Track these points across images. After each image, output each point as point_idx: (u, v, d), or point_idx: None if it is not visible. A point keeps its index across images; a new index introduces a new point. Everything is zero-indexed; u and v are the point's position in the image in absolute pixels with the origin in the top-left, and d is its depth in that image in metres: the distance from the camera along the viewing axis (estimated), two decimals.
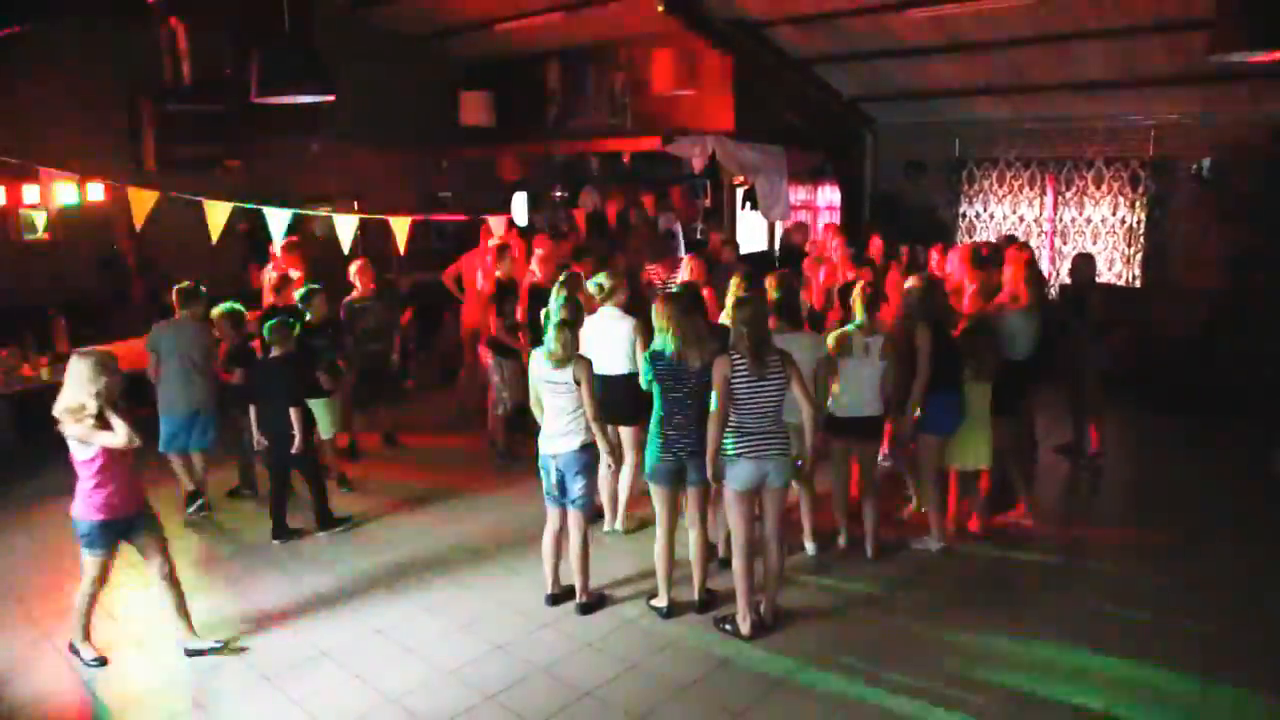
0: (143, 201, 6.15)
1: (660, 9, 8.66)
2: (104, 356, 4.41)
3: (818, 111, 11.00)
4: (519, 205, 11.25)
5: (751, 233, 12.43)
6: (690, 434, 4.85)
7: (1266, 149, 8.65)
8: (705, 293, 6.45)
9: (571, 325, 4.96)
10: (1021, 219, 10.52)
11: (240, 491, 6.96)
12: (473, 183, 11.93)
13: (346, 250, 7.16)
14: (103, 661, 4.67)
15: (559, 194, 12.40)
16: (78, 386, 4.28)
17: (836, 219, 11.69)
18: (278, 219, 6.83)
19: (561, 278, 6.67)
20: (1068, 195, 10.13)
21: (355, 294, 7.45)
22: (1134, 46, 8.13)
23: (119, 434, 4.28)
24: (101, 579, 4.63)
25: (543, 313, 5.92)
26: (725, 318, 5.71)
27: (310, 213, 7.83)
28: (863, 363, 5.52)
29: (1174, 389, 8.73)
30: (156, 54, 8.82)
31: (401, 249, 7.36)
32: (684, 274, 7.07)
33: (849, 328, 5.61)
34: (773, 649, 4.79)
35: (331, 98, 5.97)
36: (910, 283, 5.93)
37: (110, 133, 8.79)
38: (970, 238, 10.55)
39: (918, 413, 5.74)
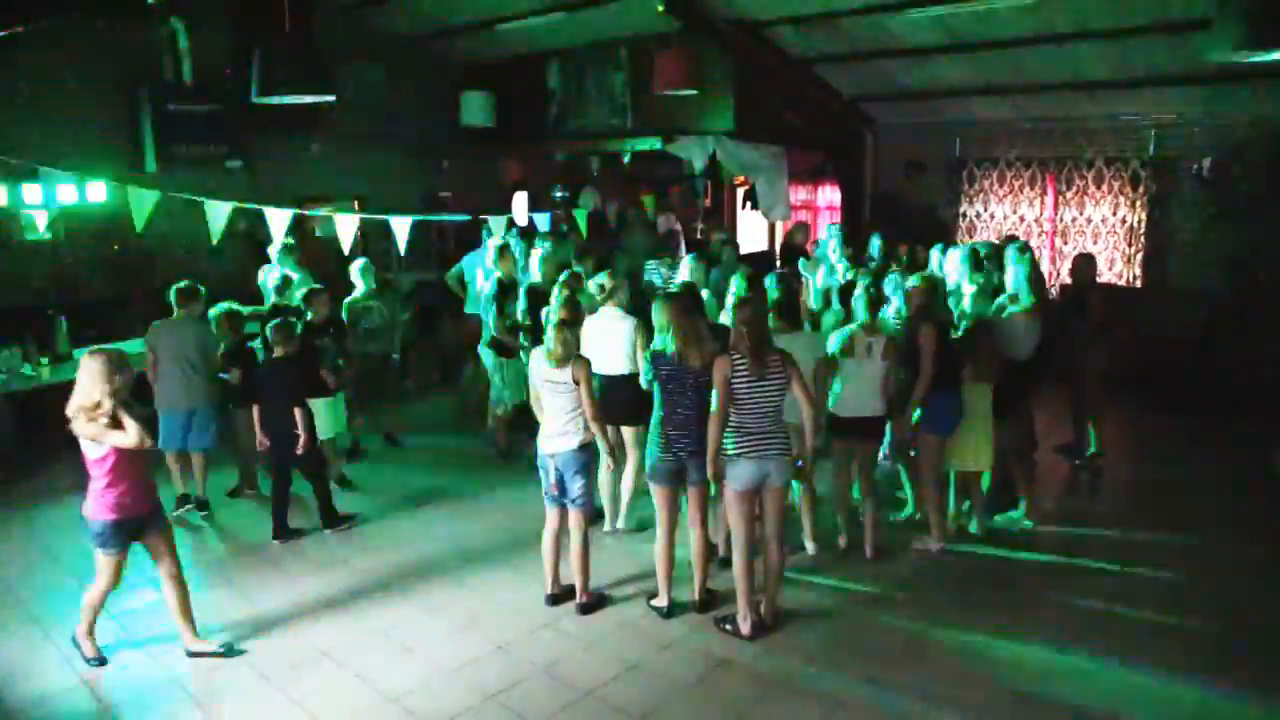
0: (143, 202, 6.15)
1: (661, 9, 8.67)
2: (115, 355, 4.41)
3: (818, 111, 11.00)
4: (519, 205, 11.24)
5: (752, 233, 12.45)
6: (690, 434, 4.85)
7: (1267, 149, 8.64)
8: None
9: (571, 325, 4.96)
10: (1022, 219, 10.52)
11: (240, 491, 6.97)
12: (473, 183, 11.93)
13: (347, 250, 7.16)
14: (100, 661, 4.68)
15: (559, 194, 12.39)
16: (91, 385, 4.28)
17: (837, 219, 11.70)
18: (278, 219, 6.82)
19: (562, 277, 6.69)
20: (1068, 195, 10.13)
21: (356, 294, 7.46)
22: (1135, 46, 8.13)
23: (130, 434, 4.28)
24: (115, 579, 4.62)
25: (544, 312, 5.93)
26: (725, 317, 5.72)
27: (310, 213, 7.84)
28: (864, 363, 5.52)
29: (1174, 389, 8.74)
30: (157, 54, 8.83)
31: (402, 249, 7.35)
32: (684, 274, 7.06)
33: (852, 328, 5.61)
34: (773, 649, 4.79)
35: (332, 98, 5.98)
36: (911, 283, 5.93)
37: (111, 133, 8.79)
38: (970, 238, 10.55)
39: (917, 414, 5.74)
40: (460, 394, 8.90)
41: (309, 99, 5.99)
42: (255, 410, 6.16)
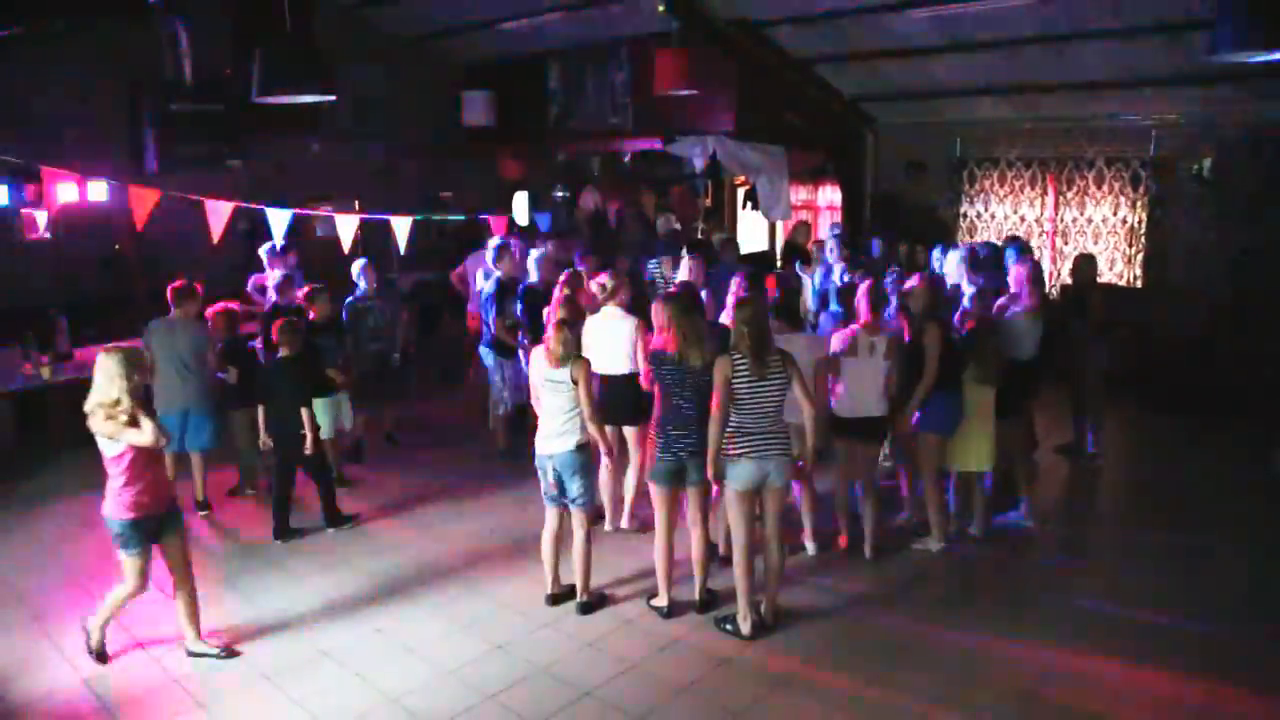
0: (144, 201, 6.16)
1: (661, 9, 8.67)
2: (131, 352, 4.41)
3: (818, 111, 11.00)
4: (520, 205, 11.25)
5: (752, 233, 12.45)
6: (691, 434, 4.85)
7: (1267, 149, 8.64)
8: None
9: (571, 324, 4.96)
10: (1023, 219, 10.51)
11: (241, 491, 6.98)
12: (473, 182, 11.94)
13: (347, 250, 7.17)
14: (101, 656, 4.68)
15: (560, 194, 12.40)
16: (108, 383, 4.28)
17: (837, 219, 11.70)
18: (278, 219, 6.83)
19: (563, 276, 6.69)
20: (1068, 195, 10.12)
21: (358, 293, 7.46)
22: (1135, 46, 8.13)
23: (146, 432, 4.28)
24: (140, 582, 4.59)
25: (545, 312, 5.93)
26: (725, 318, 5.72)
27: (311, 212, 7.84)
28: (867, 362, 5.51)
29: (1174, 389, 8.74)
30: (157, 53, 8.82)
31: (402, 248, 7.36)
32: (683, 274, 7.06)
33: (854, 327, 5.60)
34: (773, 649, 4.80)
35: (332, 97, 5.97)
36: (912, 283, 5.93)
37: (111, 132, 8.80)
38: (971, 238, 10.55)
39: (917, 415, 5.74)
40: (461, 394, 8.90)
41: (309, 99, 5.99)
42: (260, 410, 6.18)
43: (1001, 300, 6.44)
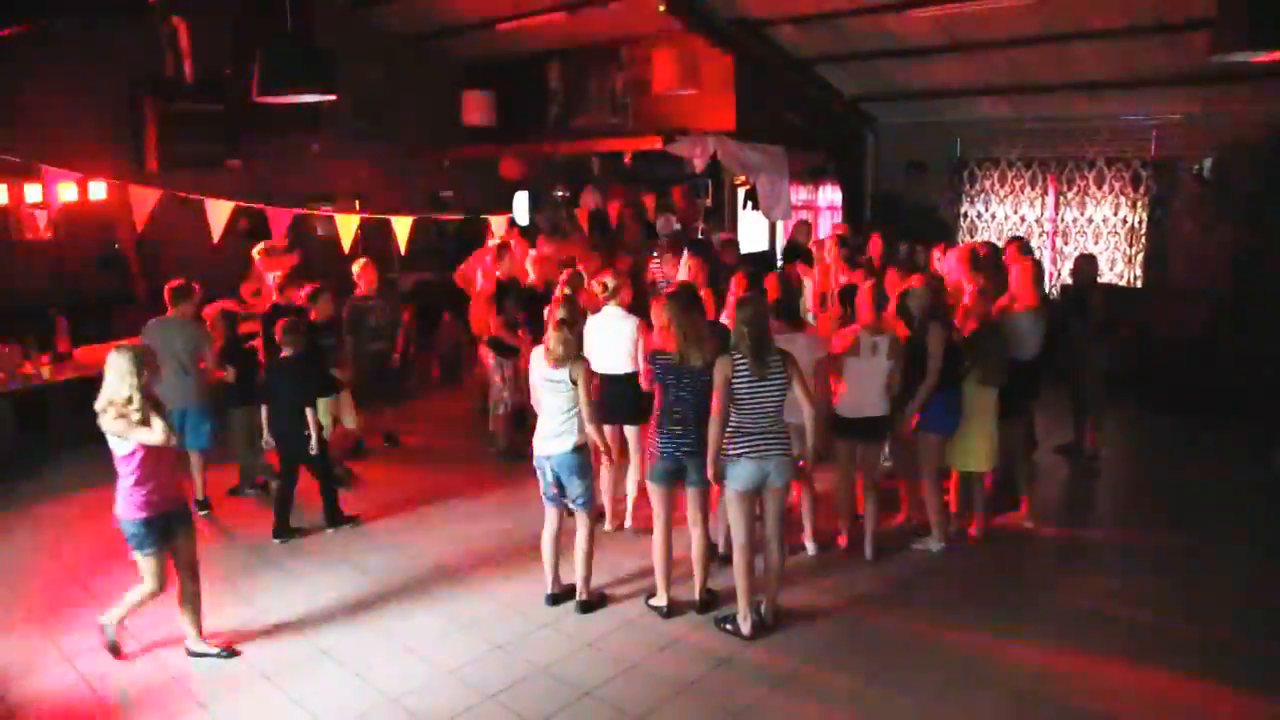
0: (144, 200, 6.16)
1: (661, 9, 8.66)
2: (142, 350, 4.40)
3: (819, 111, 11.00)
4: (520, 205, 11.26)
5: (753, 233, 12.44)
6: (691, 434, 4.85)
7: (1267, 149, 8.64)
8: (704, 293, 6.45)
9: (571, 325, 4.96)
10: (1023, 219, 10.52)
11: (241, 490, 6.98)
12: (474, 182, 11.94)
13: (347, 250, 7.17)
14: (115, 652, 4.69)
15: (560, 194, 12.40)
16: (119, 381, 4.27)
17: (838, 219, 11.69)
18: (278, 219, 6.84)
19: (564, 276, 6.70)
20: (1069, 195, 10.12)
21: (359, 293, 7.47)
22: (1135, 46, 8.13)
23: (156, 430, 4.28)
24: (160, 583, 4.59)
25: (547, 311, 5.92)
26: (725, 318, 5.72)
27: (311, 212, 7.85)
28: (869, 362, 5.51)
29: (1174, 389, 8.74)
30: (158, 53, 8.83)
31: (403, 248, 7.37)
32: (682, 273, 7.06)
33: (856, 327, 5.59)
34: (773, 649, 4.80)
35: (333, 97, 5.98)
36: (912, 283, 5.92)
37: (112, 131, 8.80)
38: (972, 238, 10.55)
39: (917, 416, 5.74)
40: (463, 391, 8.91)
41: (309, 98, 6.00)
42: (263, 410, 6.19)
43: (1002, 300, 6.43)
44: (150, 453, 4.37)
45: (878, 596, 5.37)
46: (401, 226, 7.22)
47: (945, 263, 7.63)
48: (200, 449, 6.53)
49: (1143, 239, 9.67)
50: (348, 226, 7.07)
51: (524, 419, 6.96)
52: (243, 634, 4.97)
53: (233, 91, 8.83)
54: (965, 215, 10.94)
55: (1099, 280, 7.93)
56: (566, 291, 6.09)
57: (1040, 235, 10.34)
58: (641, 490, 5.97)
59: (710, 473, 4.71)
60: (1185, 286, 9.28)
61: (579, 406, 4.89)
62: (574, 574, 5.21)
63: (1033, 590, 5.50)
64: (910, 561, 5.81)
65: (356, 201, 10.49)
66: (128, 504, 4.42)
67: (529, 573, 5.52)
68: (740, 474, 4.65)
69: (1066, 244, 10.21)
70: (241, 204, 6.69)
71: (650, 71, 9.66)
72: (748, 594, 4.83)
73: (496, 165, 12.17)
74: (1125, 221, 9.77)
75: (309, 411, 6.03)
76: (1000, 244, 8.11)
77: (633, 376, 5.72)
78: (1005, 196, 10.61)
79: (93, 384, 7.21)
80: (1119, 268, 9.87)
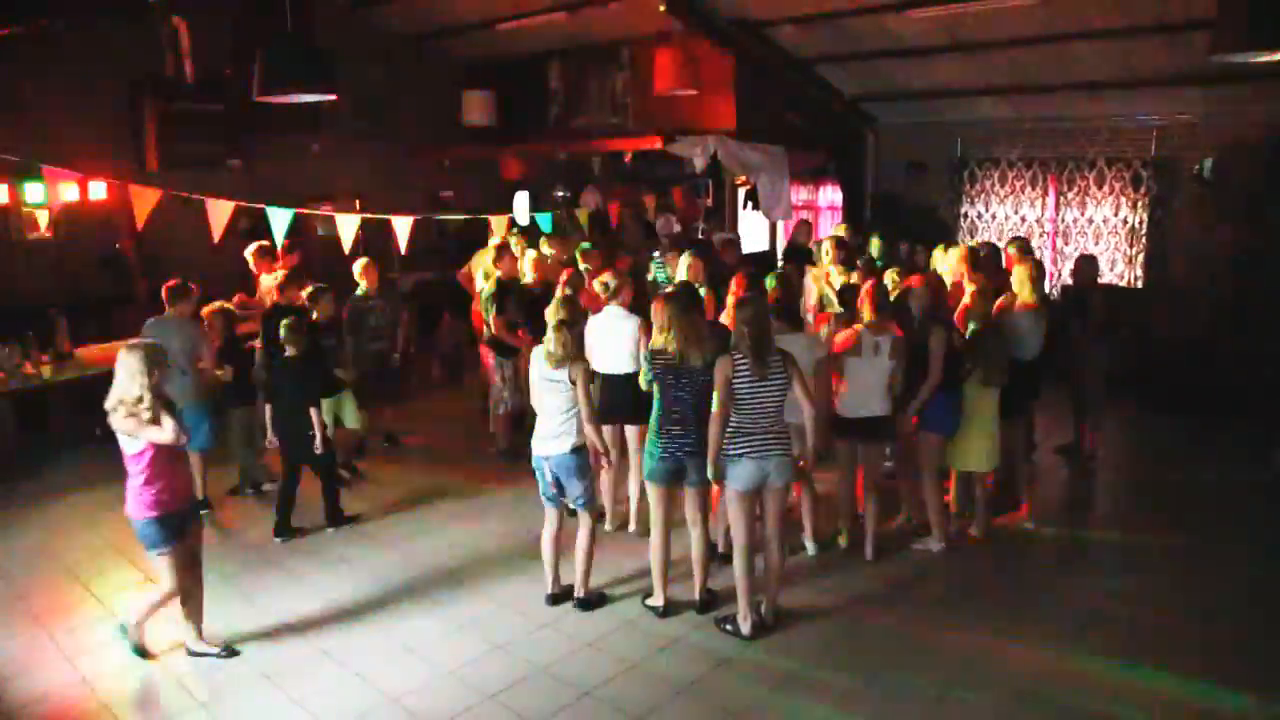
0: (144, 200, 6.16)
1: (662, 9, 8.66)
2: (153, 349, 4.38)
3: (819, 111, 11.00)
4: (521, 205, 11.25)
5: (753, 233, 12.43)
6: (690, 434, 4.85)
7: (1267, 149, 8.64)
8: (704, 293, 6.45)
9: (571, 325, 4.96)
10: (1023, 219, 10.51)
11: (241, 491, 6.98)
12: (473, 182, 11.94)
13: (348, 250, 7.17)
14: (144, 653, 4.70)
15: (561, 194, 12.40)
16: (130, 380, 4.26)
17: (838, 219, 11.68)
18: (279, 218, 6.83)
19: (564, 276, 6.69)
20: (1069, 195, 10.12)
21: (359, 293, 7.47)
22: (1135, 46, 8.13)
23: (167, 430, 4.28)
24: (179, 580, 4.59)
25: (548, 312, 5.91)
26: (726, 318, 5.71)
27: (312, 212, 7.84)
28: (871, 362, 5.50)
29: (1174, 389, 8.74)
30: (158, 53, 8.82)
31: (403, 248, 7.36)
32: (682, 273, 7.05)
33: (858, 327, 5.58)
34: (773, 649, 4.80)
35: (333, 97, 5.97)
36: (912, 282, 5.92)
37: (112, 131, 8.80)
38: (972, 238, 10.54)
39: (916, 417, 5.73)
40: (464, 392, 8.91)
41: (310, 98, 5.99)
42: (267, 410, 6.19)
43: (1001, 300, 6.43)
44: (160, 452, 4.36)
45: (878, 596, 5.37)
46: (402, 226, 7.20)
47: (945, 262, 7.62)
48: (200, 449, 6.52)
49: (1143, 239, 9.67)
50: (348, 226, 7.06)
51: (524, 419, 6.96)
52: (243, 634, 4.97)
53: (233, 91, 8.83)
54: (965, 215, 10.94)
55: (1099, 281, 7.93)
56: (567, 292, 6.09)
57: (1040, 235, 10.33)
58: (644, 491, 5.98)
59: (711, 473, 4.72)
60: (1186, 287, 9.28)
61: (578, 407, 4.89)
62: (574, 573, 5.21)
63: (1033, 590, 5.49)
64: (910, 561, 5.81)
65: (357, 201, 10.49)
66: (138, 503, 4.41)
67: (529, 573, 5.53)
68: (740, 474, 4.65)
69: (1067, 244, 10.20)
70: (242, 204, 6.68)
71: (650, 71, 9.65)
72: (748, 594, 4.83)
73: (496, 165, 12.18)
74: (1125, 222, 9.77)
75: (314, 411, 6.04)
76: (1001, 244, 8.12)
77: (633, 376, 5.71)
78: (1005, 197, 10.61)
79: (93, 384, 7.24)
80: (1119, 268, 9.87)
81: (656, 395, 4.94)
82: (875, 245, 8.50)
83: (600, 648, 4.83)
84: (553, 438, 4.96)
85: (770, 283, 5.93)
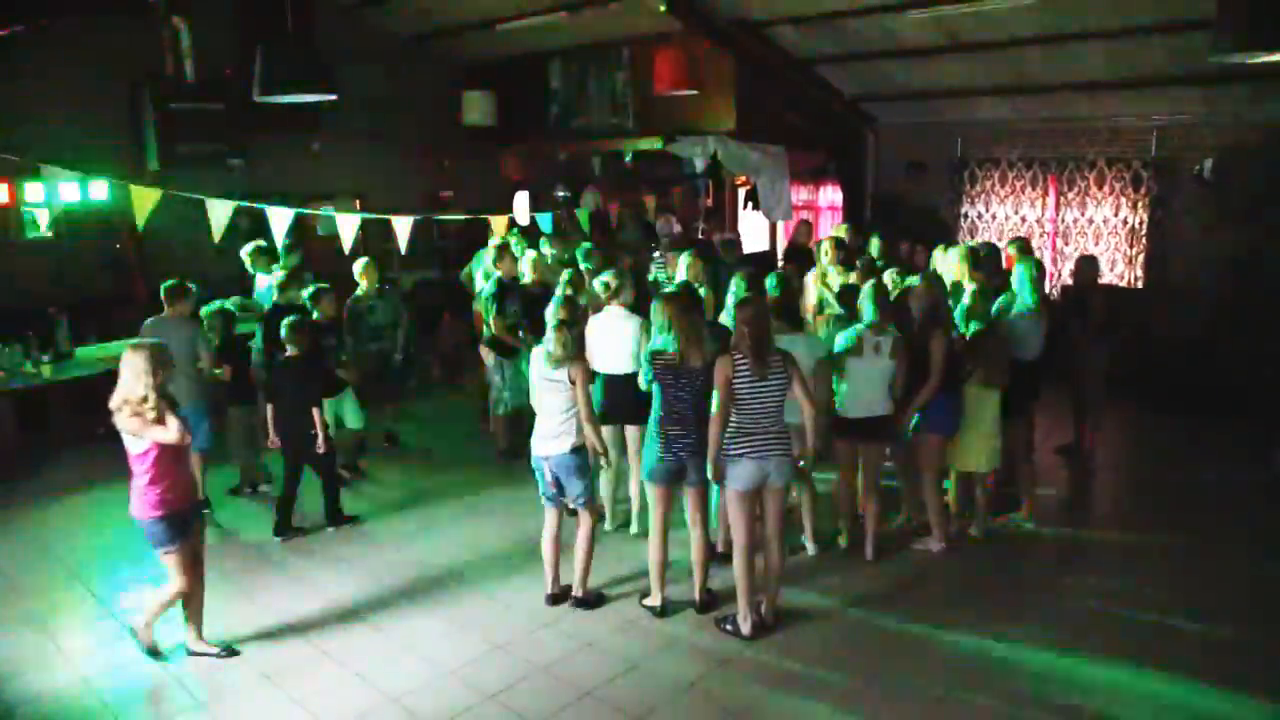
0: (145, 200, 6.16)
1: (662, 9, 8.67)
2: (158, 349, 4.39)
3: (819, 111, 11.00)
4: (521, 205, 11.25)
5: (753, 233, 12.44)
6: (690, 434, 4.85)
7: (1267, 150, 8.64)
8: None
9: (570, 325, 4.96)
10: (1024, 219, 10.51)
11: (241, 490, 6.99)
12: (474, 182, 11.94)
13: (348, 250, 7.17)
14: (156, 653, 4.71)
15: (561, 194, 12.41)
16: (135, 380, 4.27)
17: (838, 219, 11.69)
18: (279, 218, 6.83)
19: (565, 276, 6.69)
20: (1069, 196, 10.12)
21: (359, 293, 7.47)
22: (1135, 46, 8.13)
23: (171, 429, 4.28)
24: (188, 577, 4.60)
25: (549, 312, 5.92)
26: (725, 317, 5.71)
27: (312, 212, 7.84)
28: (872, 362, 5.49)
29: (1174, 389, 8.74)
30: (159, 53, 8.83)
31: (403, 248, 7.36)
32: (681, 273, 7.06)
33: (859, 327, 5.59)
34: (773, 649, 4.80)
35: (333, 97, 5.98)
36: (911, 282, 5.91)
37: (113, 131, 8.80)
38: (972, 238, 10.54)
39: (916, 415, 5.73)
40: (464, 394, 8.91)
41: (310, 98, 6.00)
42: (269, 409, 6.20)
43: (1001, 300, 6.43)
44: (165, 451, 4.37)
45: (878, 596, 5.36)
46: (402, 226, 7.20)
47: (945, 262, 7.62)
48: (199, 449, 6.52)
49: (1143, 240, 9.66)
50: (348, 226, 7.06)
51: (523, 419, 6.95)
52: (243, 633, 4.97)
53: (233, 91, 8.83)
54: (965, 215, 10.94)
55: (1099, 281, 7.93)
56: (568, 292, 6.09)
57: (1041, 236, 10.33)
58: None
59: (711, 473, 4.72)
60: (1185, 287, 9.28)
61: (577, 407, 4.89)
62: (573, 573, 5.21)
63: (1033, 590, 5.50)
64: (911, 562, 5.81)
65: (357, 201, 10.49)
66: (142, 503, 4.42)
67: (529, 573, 5.53)
68: (741, 474, 4.65)
69: (1067, 245, 10.20)
70: (242, 203, 6.68)
71: (650, 71, 9.66)
72: (748, 594, 4.83)
73: (496, 165, 12.18)
74: (1125, 222, 9.77)
75: (316, 411, 6.04)
76: (1001, 245, 8.12)
77: (635, 377, 5.71)
78: (1006, 197, 10.60)
79: (93, 384, 7.25)
80: (1119, 268, 9.86)
81: (656, 395, 4.93)
82: (875, 245, 8.50)
83: (600, 648, 4.83)
84: (552, 437, 4.96)
85: (770, 283, 5.93)
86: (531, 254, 7.66)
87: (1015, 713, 4.28)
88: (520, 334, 7.20)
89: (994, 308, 6.24)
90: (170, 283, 6.44)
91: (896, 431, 5.86)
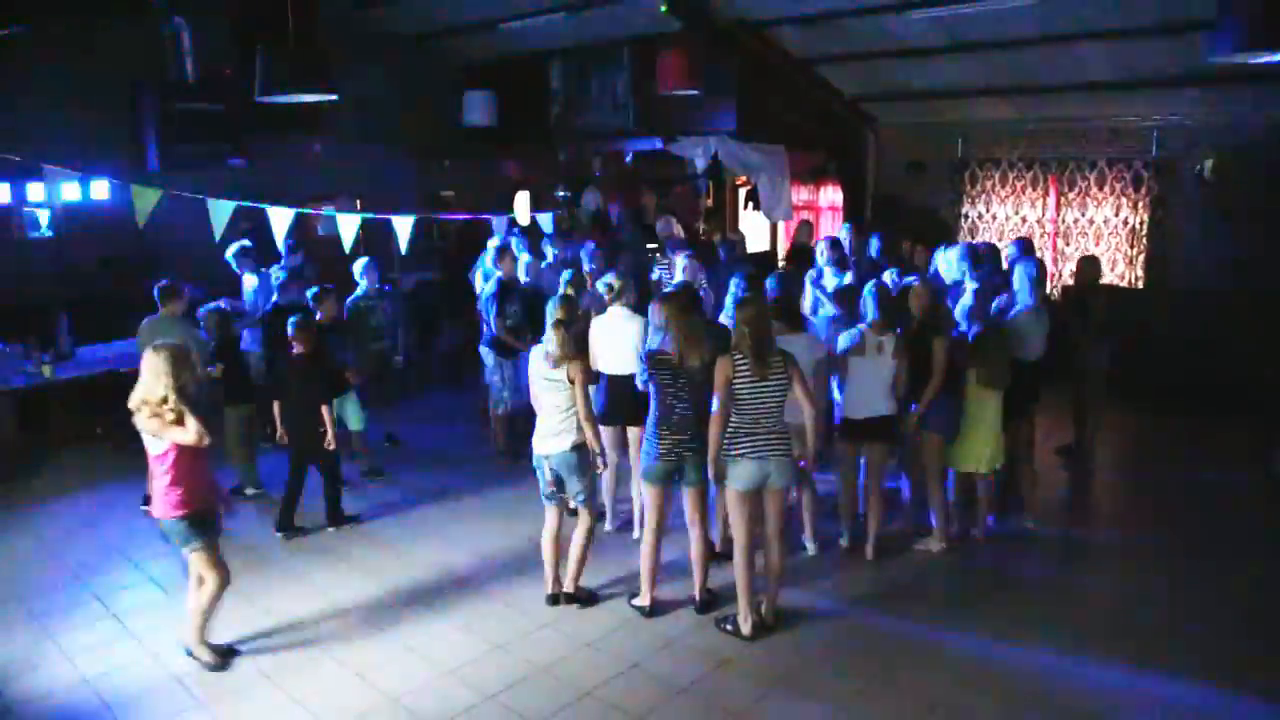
0: (145, 200, 6.17)
1: (662, 9, 8.67)
2: (178, 350, 4.38)
3: (819, 111, 10.99)
4: (521, 205, 11.25)
5: (754, 233, 12.43)
6: (690, 434, 4.85)
7: (1268, 150, 8.64)
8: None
9: (569, 324, 4.96)
10: (1024, 220, 10.50)
11: (240, 490, 6.98)
12: (474, 182, 11.94)
13: (348, 249, 7.18)
14: (222, 666, 4.63)
15: (561, 194, 12.41)
16: (155, 380, 4.27)
17: (839, 219, 11.68)
18: (279, 218, 6.84)
19: (565, 276, 6.70)
20: (1070, 196, 10.11)
21: (360, 293, 7.47)
22: (1135, 46, 8.13)
23: (190, 430, 4.28)
24: (221, 572, 4.57)
25: (548, 311, 5.93)
26: (725, 318, 5.71)
27: (312, 212, 7.85)
28: (874, 362, 5.49)
29: (1174, 389, 8.73)
30: (159, 53, 8.83)
31: (403, 248, 7.37)
32: (680, 273, 7.06)
33: (861, 327, 5.59)
34: (773, 649, 4.80)
35: (334, 97, 5.98)
36: (909, 282, 5.91)
37: (113, 131, 8.79)
38: (973, 238, 10.54)
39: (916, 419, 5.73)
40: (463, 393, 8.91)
41: (311, 98, 6.00)
42: (275, 408, 6.22)
43: (1000, 300, 6.43)
44: (184, 452, 4.37)
45: (878, 597, 5.36)
46: (402, 226, 7.21)
47: (945, 262, 7.61)
48: None
49: (1144, 240, 9.65)
50: (348, 226, 7.06)
51: (525, 419, 6.96)
52: (243, 633, 4.97)
53: (234, 91, 8.82)
54: (966, 216, 10.93)
55: (1101, 282, 7.93)
56: (569, 292, 6.09)
57: (1041, 236, 10.32)
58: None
59: (711, 473, 4.71)
60: (1186, 287, 9.27)
61: (576, 405, 4.89)
62: (567, 566, 5.21)
63: (1033, 591, 5.50)
64: (911, 562, 5.81)
65: (357, 201, 10.49)
66: (165, 503, 4.42)
67: (529, 573, 5.53)
68: (741, 474, 4.65)
69: (1068, 245, 10.20)
70: (243, 203, 6.69)
71: (651, 71, 9.65)
72: (748, 594, 4.83)
73: (498, 165, 12.18)
74: (1126, 222, 9.76)
75: (325, 409, 6.05)
76: (1001, 245, 8.11)
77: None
78: (1006, 197, 10.60)
79: (94, 384, 7.25)
80: (1120, 269, 9.86)
81: (654, 395, 4.93)
82: (875, 245, 8.50)
83: (600, 648, 4.83)
84: (552, 436, 4.96)
85: (771, 283, 5.93)
86: (527, 258, 7.67)
87: (1015, 713, 4.27)
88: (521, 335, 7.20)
89: (994, 308, 6.25)
90: (163, 283, 6.45)
91: (902, 431, 5.86)
